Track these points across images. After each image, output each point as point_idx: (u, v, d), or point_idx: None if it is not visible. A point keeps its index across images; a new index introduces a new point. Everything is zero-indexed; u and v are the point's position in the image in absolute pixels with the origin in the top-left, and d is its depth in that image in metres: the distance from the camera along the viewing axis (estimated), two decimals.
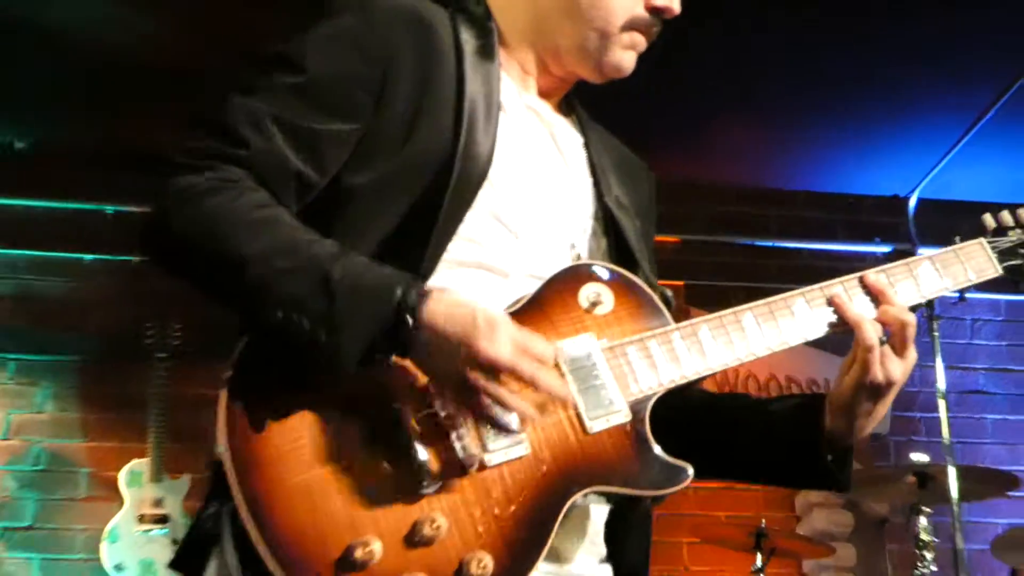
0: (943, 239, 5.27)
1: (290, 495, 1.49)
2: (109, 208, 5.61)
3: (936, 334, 4.49)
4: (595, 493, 1.64)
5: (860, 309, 1.77)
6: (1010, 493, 4.67)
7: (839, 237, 6.13)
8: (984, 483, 4.51)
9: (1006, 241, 1.99)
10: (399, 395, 1.56)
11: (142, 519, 5.19)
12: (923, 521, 4.25)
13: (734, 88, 4.98)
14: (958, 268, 1.95)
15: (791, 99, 5.45)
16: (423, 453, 1.51)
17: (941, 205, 6.03)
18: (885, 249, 6.01)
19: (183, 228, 1.58)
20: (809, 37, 4.92)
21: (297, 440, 1.53)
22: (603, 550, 1.79)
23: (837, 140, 5.85)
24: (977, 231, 2.02)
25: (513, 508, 1.56)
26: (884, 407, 1.77)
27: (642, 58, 1.92)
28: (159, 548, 5.16)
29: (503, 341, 1.49)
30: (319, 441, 1.53)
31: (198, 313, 5.30)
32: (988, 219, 2.04)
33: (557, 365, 1.60)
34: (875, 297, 1.79)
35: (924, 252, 6.66)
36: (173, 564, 1.57)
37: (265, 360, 1.57)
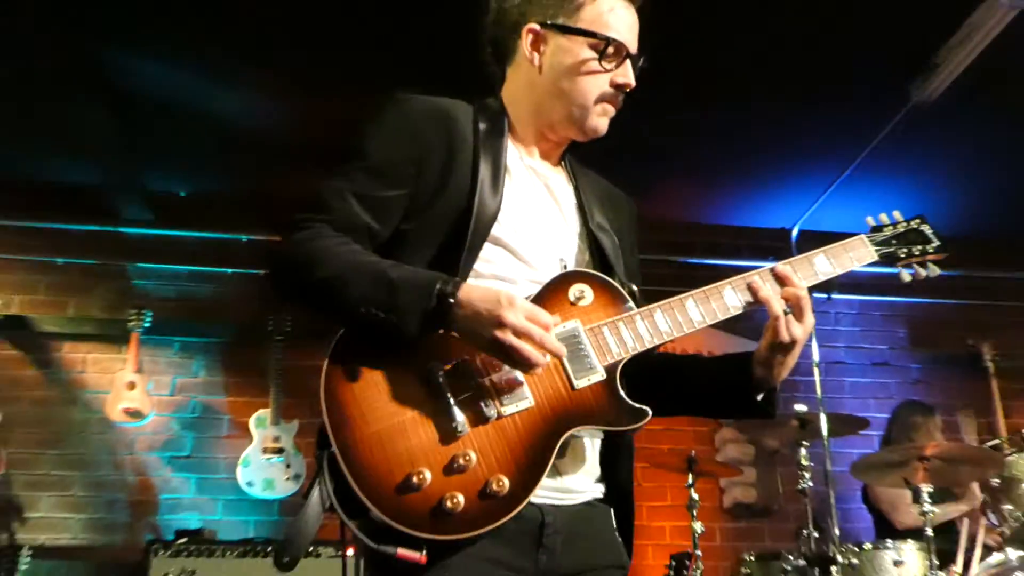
0: None
1: (368, 441, 1.58)
2: (243, 236, 5.71)
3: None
4: (584, 430, 1.70)
5: (770, 290, 1.80)
6: (861, 432, 4.66)
7: (744, 256, 6.08)
8: (844, 425, 4.53)
9: (880, 236, 2.04)
10: (441, 370, 1.64)
11: (265, 451, 5.35)
12: (803, 451, 4.24)
13: (674, 154, 4.97)
14: (845, 257, 1.96)
15: (712, 161, 5.48)
16: (458, 409, 1.62)
17: (816, 234, 5.98)
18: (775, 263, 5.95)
19: (292, 267, 1.72)
20: (721, 116, 4.92)
21: (373, 401, 1.61)
22: (597, 471, 1.84)
23: (741, 189, 5.93)
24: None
25: (522, 443, 1.63)
26: (793, 359, 1.80)
27: (612, 136, 1.96)
28: (277, 471, 5.30)
29: (520, 312, 1.59)
30: (387, 402, 1.61)
31: (303, 309, 5.21)
32: (869, 220, 2.09)
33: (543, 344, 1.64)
34: (781, 281, 1.82)
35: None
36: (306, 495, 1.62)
37: (352, 347, 1.66)
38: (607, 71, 1.86)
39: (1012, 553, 3.83)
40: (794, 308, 1.77)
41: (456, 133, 1.83)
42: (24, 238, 5.56)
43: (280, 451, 5.28)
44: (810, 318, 1.78)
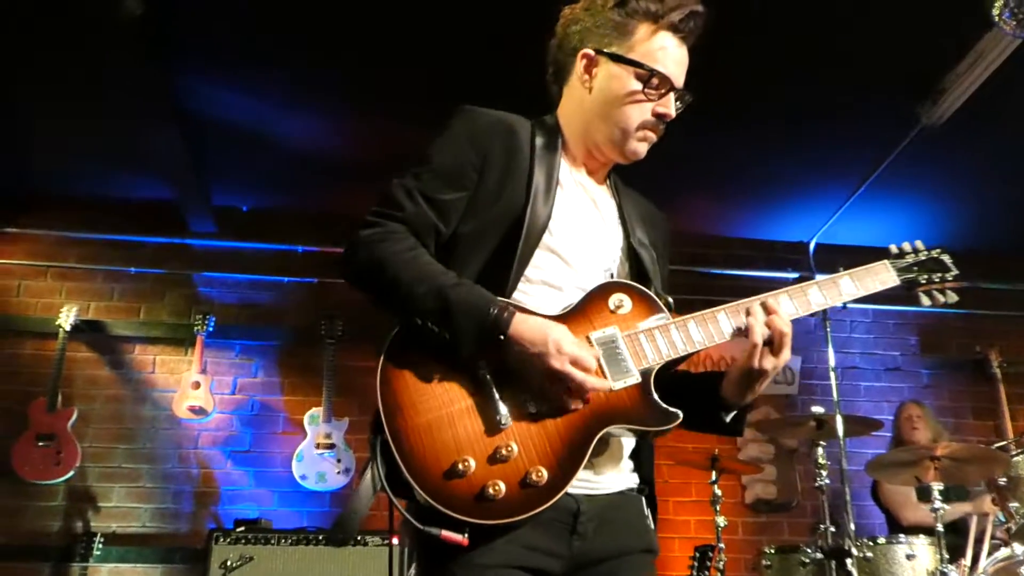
0: (832, 270, 5.27)
1: (418, 429, 1.62)
2: (299, 248, 5.83)
3: (828, 329, 4.47)
4: (618, 429, 1.72)
5: (756, 318, 1.76)
6: (875, 433, 4.65)
7: (761, 267, 6.09)
8: (859, 426, 4.52)
9: (902, 262, 2.03)
10: (490, 367, 1.67)
11: (318, 446, 5.41)
12: (820, 451, 4.25)
13: (696, 169, 5.02)
14: (869, 280, 1.96)
15: (732, 177, 5.52)
16: (502, 404, 1.65)
17: (831, 247, 6.08)
18: (794, 275, 5.97)
19: (361, 263, 1.75)
20: (742, 134, 4.99)
21: (423, 393, 1.65)
22: (630, 465, 1.87)
23: (761, 204, 5.93)
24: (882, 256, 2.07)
25: (561, 438, 1.65)
26: (760, 387, 1.79)
27: (645, 158, 1.97)
28: (329, 465, 5.38)
29: (565, 359, 1.63)
30: (437, 394, 1.65)
31: (354, 315, 5.39)
32: (892, 248, 2.07)
33: (590, 343, 1.71)
34: (768, 311, 1.77)
35: (820, 278, 6.58)
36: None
37: (406, 344, 1.70)
38: (649, 100, 1.87)
39: (1018, 548, 3.82)
40: (774, 340, 1.74)
41: (515, 145, 1.86)
42: (100, 250, 5.70)
43: (332, 447, 5.34)
44: (786, 354, 1.75)
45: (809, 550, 4.18)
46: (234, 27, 4.14)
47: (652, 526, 1.88)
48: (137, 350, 5.62)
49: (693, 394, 1.82)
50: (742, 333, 1.78)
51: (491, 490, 1.58)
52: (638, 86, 1.87)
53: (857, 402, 6.06)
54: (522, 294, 1.77)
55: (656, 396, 1.72)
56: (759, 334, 1.74)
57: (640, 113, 1.88)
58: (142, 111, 4.54)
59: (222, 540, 4.58)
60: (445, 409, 1.64)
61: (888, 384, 6.25)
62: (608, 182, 2.05)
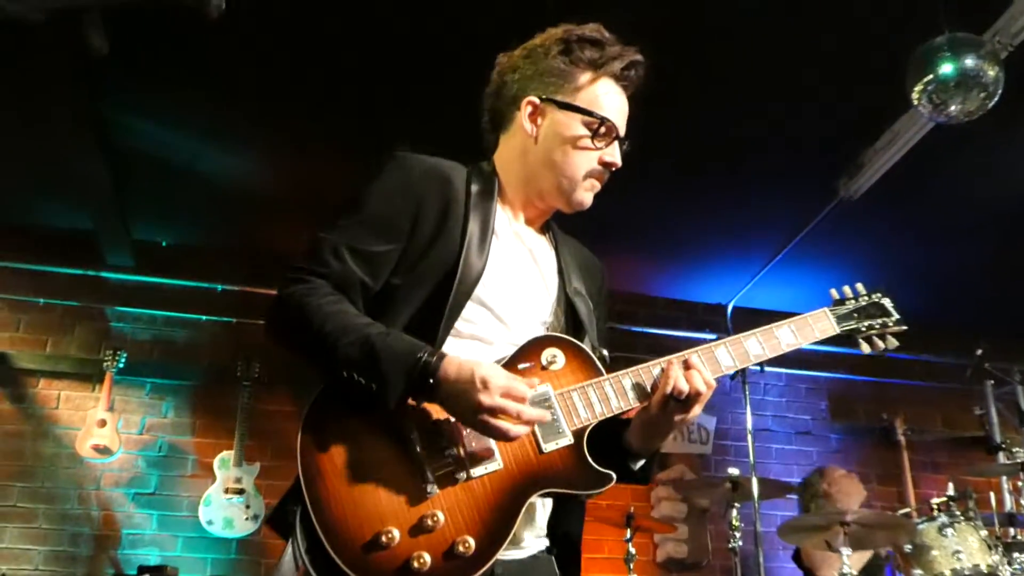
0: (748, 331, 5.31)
1: (340, 498, 1.56)
2: (219, 286, 5.69)
3: (747, 392, 4.54)
4: (548, 492, 1.68)
5: (672, 373, 1.71)
6: (788, 495, 4.72)
7: (683, 327, 6.19)
8: (772, 489, 4.57)
9: (842, 309, 2.00)
10: (416, 431, 1.62)
11: (227, 491, 5.26)
12: (734, 512, 4.28)
13: (622, 229, 5.07)
14: (808, 329, 1.92)
15: (656, 238, 5.60)
16: (429, 471, 1.60)
17: (748, 311, 6.18)
18: (712, 337, 6.08)
19: (286, 319, 1.70)
20: (667, 197, 5.11)
21: (347, 458, 1.59)
22: (544, 528, 1.80)
23: (685, 265, 6.03)
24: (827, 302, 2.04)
25: (490, 505, 1.60)
26: (665, 438, 1.80)
27: (576, 215, 1.97)
28: (237, 510, 5.20)
29: (494, 392, 1.56)
30: (361, 460, 1.59)
31: (271, 357, 5.28)
32: (832, 292, 2.05)
33: (520, 417, 1.61)
34: (689, 369, 1.73)
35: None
36: (269, 521, 1.69)
37: (329, 406, 1.64)
38: (597, 149, 1.86)
39: None
40: (689, 397, 1.70)
41: (450, 194, 1.80)
42: (6, 277, 5.44)
43: (241, 491, 5.18)
44: (696, 410, 1.73)
45: None
46: (162, 61, 4.06)
47: None
48: (42, 384, 5.38)
49: (598, 441, 1.73)
50: (637, 399, 1.73)
51: (416, 563, 1.52)
52: (586, 133, 1.85)
53: (769, 464, 6.12)
54: (449, 347, 1.70)
55: (589, 458, 1.67)
56: (671, 387, 1.69)
57: (587, 161, 1.86)
58: (66, 139, 4.40)
59: None
60: (369, 476, 1.57)
61: (799, 447, 6.35)
62: (546, 231, 2.01)
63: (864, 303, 2.03)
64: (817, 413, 6.51)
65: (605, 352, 1.83)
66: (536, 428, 1.66)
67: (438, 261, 1.74)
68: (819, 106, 4.24)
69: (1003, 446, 5.29)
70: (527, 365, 1.73)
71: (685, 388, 1.70)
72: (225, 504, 5.17)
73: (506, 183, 1.93)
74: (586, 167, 1.87)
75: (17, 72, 4.02)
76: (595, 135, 1.86)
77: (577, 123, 1.86)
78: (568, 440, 1.67)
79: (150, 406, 5.50)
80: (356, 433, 1.60)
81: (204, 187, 5.10)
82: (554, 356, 1.73)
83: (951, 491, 4.21)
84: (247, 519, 5.15)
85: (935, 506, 4.18)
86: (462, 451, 1.62)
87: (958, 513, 4.11)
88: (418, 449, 1.60)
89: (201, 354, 5.64)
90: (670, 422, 1.74)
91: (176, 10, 3.13)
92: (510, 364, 1.72)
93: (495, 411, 1.56)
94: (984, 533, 4.08)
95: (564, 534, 1.82)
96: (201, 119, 4.56)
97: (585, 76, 1.88)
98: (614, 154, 1.88)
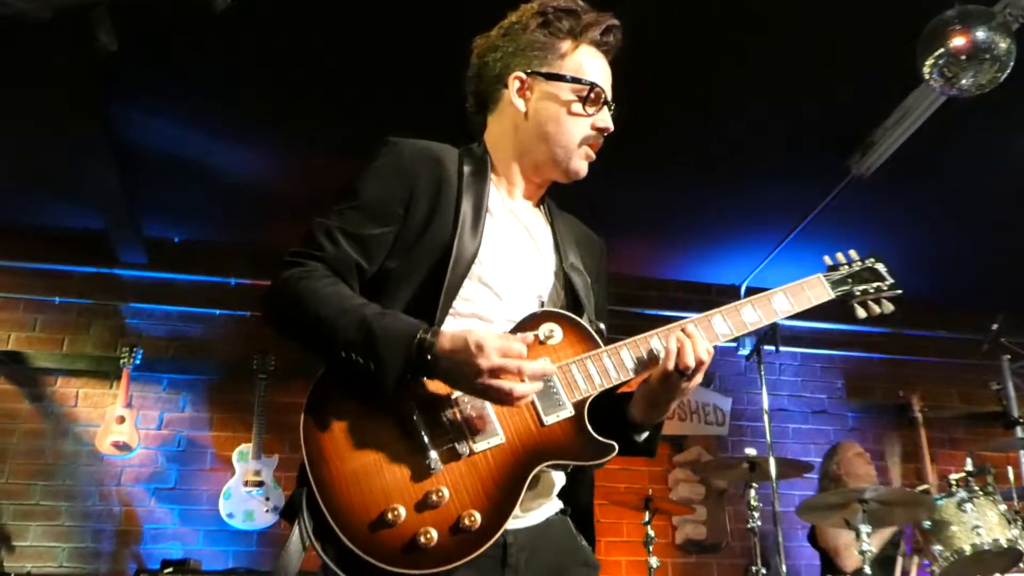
0: None
1: (345, 478, 1.57)
2: (232, 280, 5.72)
3: (763, 372, 4.53)
4: (552, 465, 1.69)
5: (672, 345, 1.73)
6: (805, 475, 4.72)
7: (695, 309, 6.14)
8: (790, 468, 4.57)
9: (836, 275, 2.01)
10: (417, 410, 1.63)
11: (246, 483, 5.30)
12: (752, 492, 4.28)
13: (631, 213, 5.08)
14: (803, 296, 1.94)
15: (667, 221, 5.60)
16: (432, 447, 1.60)
17: (761, 291, 6.09)
18: None
19: (282, 303, 1.69)
20: (678, 180, 5.09)
21: (350, 440, 1.60)
22: (558, 503, 1.81)
23: (696, 248, 6.00)
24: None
25: (493, 479, 1.60)
26: (669, 408, 1.81)
27: (573, 192, 2.02)
28: (257, 503, 5.24)
29: (491, 353, 1.56)
30: (364, 440, 1.60)
31: (287, 350, 5.27)
32: (826, 259, 2.06)
33: (522, 374, 1.60)
34: (688, 336, 1.74)
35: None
36: (282, 514, 1.69)
37: (330, 388, 1.65)
38: (589, 115, 1.87)
39: None
40: (693, 370, 1.70)
41: (443, 175, 1.82)
42: (22, 278, 5.51)
43: (260, 484, 5.22)
44: (697, 379, 1.73)
45: None
46: (171, 58, 4.07)
47: (584, 543, 1.82)
48: (59, 383, 5.43)
49: (601, 415, 1.74)
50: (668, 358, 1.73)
51: (422, 539, 1.52)
52: (576, 100, 1.87)
53: (786, 444, 6.15)
54: (449, 326, 1.70)
55: (590, 428, 1.68)
56: (672, 359, 1.70)
57: (580, 129, 1.88)
58: (75, 139, 4.43)
59: None
60: (373, 455, 1.58)
61: (815, 426, 6.35)
62: (542, 207, 2.02)
63: (858, 268, 2.04)
64: (833, 392, 6.51)
65: (603, 325, 1.83)
66: (536, 401, 1.67)
67: (433, 242, 1.75)
68: (829, 84, 4.20)
69: (1021, 421, 5.27)
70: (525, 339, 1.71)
71: (688, 360, 1.70)
72: (245, 497, 5.20)
73: (498, 161, 1.94)
74: (579, 135, 1.88)
75: (26, 73, 4.04)
76: (585, 102, 1.87)
77: (566, 92, 1.87)
78: (569, 412, 1.68)
79: (167, 401, 5.54)
80: (358, 414, 1.61)
81: (213, 184, 5.13)
82: (551, 331, 1.74)
83: (969, 467, 4.20)
84: (267, 511, 5.18)
85: (954, 482, 4.17)
86: (463, 426, 1.63)
87: (977, 488, 4.10)
88: (420, 427, 1.61)
89: (216, 348, 5.68)
90: (672, 392, 1.74)
91: (183, 5, 3.15)
92: None
93: (496, 372, 1.56)
94: (1003, 507, 4.06)
95: (575, 504, 1.83)
96: (209, 116, 4.54)
97: (566, 45, 1.89)
98: (606, 119, 1.90)
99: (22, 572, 4.88)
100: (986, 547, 3.93)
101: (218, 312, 5.69)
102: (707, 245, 6.02)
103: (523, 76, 1.89)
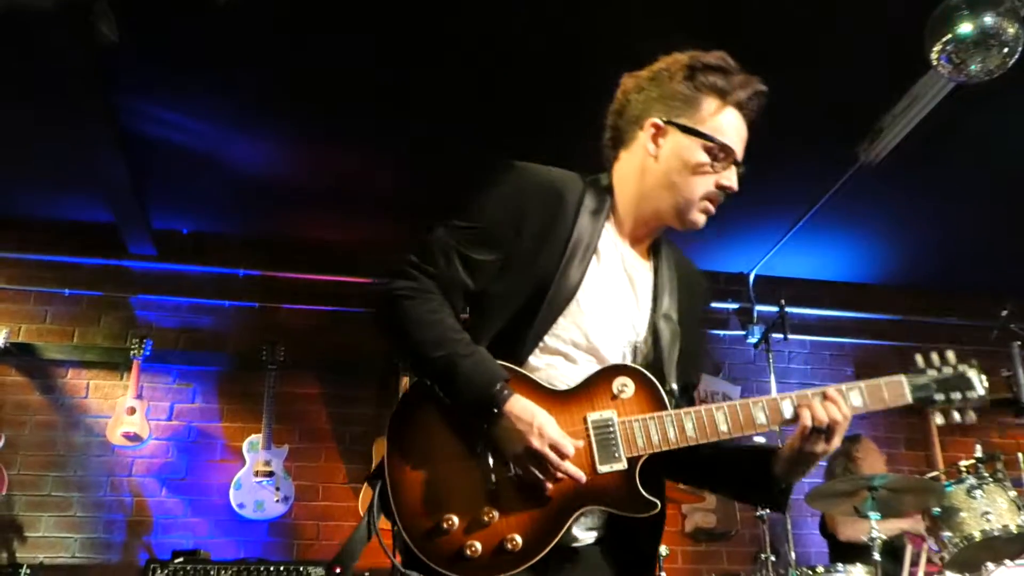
0: (771, 300, 5.39)
1: (416, 484, 1.76)
2: (241, 271, 5.77)
3: (771, 360, 4.52)
4: (596, 509, 1.81)
5: (817, 410, 1.82)
6: None
7: None
8: None
9: (921, 379, 1.97)
10: (490, 435, 1.78)
11: (257, 474, 5.32)
12: None
13: None
14: (878, 396, 1.91)
15: None
16: (493, 472, 1.76)
17: (769, 279, 6.15)
18: (735, 306, 6.12)
19: (390, 317, 1.84)
20: None
21: (427, 448, 1.78)
22: (596, 527, 1.89)
23: (704, 237, 5.80)
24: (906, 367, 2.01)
25: (541, 510, 1.76)
26: (811, 469, 1.88)
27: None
28: (267, 493, 5.28)
29: (545, 440, 1.72)
30: (439, 452, 1.77)
31: (296, 341, 5.32)
32: (918, 358, 2.02)
33: (586, 424, 1.79)
34: (827, 399, 1.83)
35: (759, 309, 6.70)
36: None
37: (421, 398, 1.81)
38: (715, 172, 1.91)
39: None
40: (829, 429, 1.79)
41: (559, 209, 1.88)
42: (32, 270, 5.56)
43: (271, 474, 5.26)
44: (837, 440, 1.81)
45: None
46: (179, 50, 4.08)
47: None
48: (70, 374, 5.47)
49: (745, 467, 1.94)
50: (729, 432, 1.82)
51: (468, 551, 1.71)
52: (705, 158, 1.90)
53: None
54: (536, 359, 1.84)
55: (639, 484, 1.77)
56: (809, 420, 1.79)
57: (705, 184, 1.91)
58: (84, 131, 4.44)
59: (159, 572, 4.48)
60: (443, 467, 1.76)
61: None
62: (651, 250, 2.05)
63: (948, 374, 2.00)
64: (842, 379, 6.37)
65: (675, 386, 1.89)
66: (595, 450, 1.78)
67: (536, 275, 1.84)
68: (837, 71, 4.18)
69: None
70: (598, 391, 1.83)
71: (825, 419, 1.79)
72: (256, 487, 5.24)
73: (620, 199, 1.99)
74: (703, 189, 1.91)
75: (33, 65, 4.06)
76: (714, 159, 1.91)
77: (698, 147, 1.91)
78: (623, 465, 1.78)
79: (177, 392, 5.57)
80: (439, 426, 1.78)
81: (221, 175, 5.15)
82: (624, 385, 1.83)
83: (979, 453, 4.20)
84: (277, 501, 5.22)
85: (963, 468, 4.17)
86: (512, 459, 1.77)
87: (986, 475, 4.10)
88: (488, 453, 1.76)
89: (226, 339, 5.71)
90: (813, 455, 1.82)
91: None
92: (584, 387, 1.82)
93: (539, 457, 1.71)
94: (1013, 494, 4.06)
95: (634, 547, 1.88)
96: (217, 108, 4.56)
97: (709, 102, 1.93)
98: (731, 178, 1.93)
99: (35, 562, 4.93)
100: (995, 533, 3.94)
101: (227, 303, 5.73)
102: (715, 233, 5.88)
103: (660, 123, 1.93)
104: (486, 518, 1.72)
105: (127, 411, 5.25)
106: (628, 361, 1.91)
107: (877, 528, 3.92)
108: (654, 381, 1.85)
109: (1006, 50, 3.31)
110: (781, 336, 4.85)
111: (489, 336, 1.82)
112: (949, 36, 3.33)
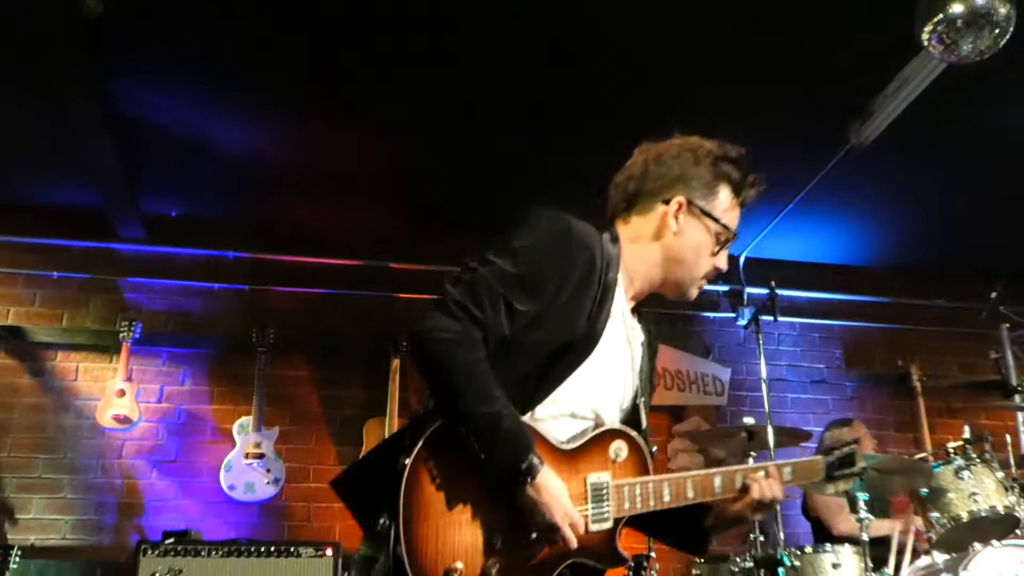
0: (761, 282, 5.38)
1: (427, 528, 1.78)
2: (231, 254, 5.77)
3: (761, 342, 4.53)
4: (579, 562, 1.92)
5: (762, 484, 2.03)
6: (802, 444, 4.74)
7: None
8: (788, 437, 4.59)
9: (833, 456, 2.23)
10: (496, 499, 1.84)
11: (247, 456, 5.35)
12: (750, 462, 4.30)
13: None
14: (802, 473, 2.17)
15: None
16: (502, 528, 1.83)
17: (761, 261, 6.16)
18: (725, 288, 6.13)
19: (434, 359, 1.82)
20: None
21: (445, 492, 1.81)
22: None
23: None
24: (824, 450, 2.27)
25: (537, 562, 1.86)
26: (733, 529, 2.14)
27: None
28: (258, 475, 5.31)
29: (566, 519, 1.81)
30: (456, 498, 1.81)
31: (286, 323, 5.31)
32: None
33: (586, 487, 1.91)
34: (768, 476, 2.05)
35: (749, 291, 6.71)
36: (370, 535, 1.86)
37: (446, 440, 1.82)
38: (715, 255, 2.10)
39: (938, 556, 3.93)
40: (772, 502, 2.02)
41: (591, 268, 1.95)
42: (21, 253, 5.54)
43: (261, 456, 5.28)
44: (769, 511, 2.07)
45: (739, 559, 4.24)
46: (168, 32, 4.05)
47: None
48: (59, 357, 5.46)
49: (681, 521, 2.09)
50: (695, 498, 2.00)
51: None
52: (714, 242, 2.09)
53: (784, 413, 6.13)
54: (544, 409, 1.91)
55: (617, 541, 1.93)
56: (757, 494, 2.00)
57: (707, 264, 2.10)
58: (73, 113, 4.42)
59: (150, 552, 4.45)
60: (457, 514, 1.80)
61: (814, 396, 6.35)
62: (638, 313, 2.18)
63: (845, 452, 2.24)
64: (832, 361, 6.52)
65: (654, 449, 2.05)
66: (590, 511, 1.90)
67: (564, 330, 1.91)
68: (827, 53, 4.18)
69: (1019, 389, 5.28)
70: (596, 452, 1.95)
71: (769, 495, 2.02)
72: (245, 469, 5.26)
73: (628, 260, 2.08)
74: (705, 269, 2.10)
75: (21, 47, 4.02)
76: (720, 244, 2.10)
77: (711, 231, 2.08)
78: (609, 525, 1.92)
79: (167, 375, 5.56)
80: (457, 476, 1.81)
81: (212, 158, 5.11)
82: (619, 449, 1.97)
83: (967, 435, 4.22)
84: (268, 483, 5.24)
85: (951, 450, 4.18)
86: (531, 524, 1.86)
87: (974, 456, 4.11)
88: (503, 508, 1.81)
89: (215, 322, 5.69)
90: (746, 520, 2.07)
91: None
92: (585, 448, 1.94)
93: (557, 530, 1.80)
94: (1000, 475, 4.07)
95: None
96: (207, 90, 4.53)
97: (725, 192, 2.10)
98: (724, 262, 2.13)
99: (26, 544, 4.91)
100: (983, 514, 3.95)
101: (217, 286, 5.71)
102: None
103: (685, 202, 2.06)
104: (493, 572, 1.80)
105: (117, 394, 5.25)
106: (618, 422, 2.03)
107: (870, 528, 3.95)
108: (643, 448, 2.00)
109: (997, 31, 3.30)
110: (771, 318, 4.85)
111: (506, 381, 1.84)
112: (940, 16, 3.31)
